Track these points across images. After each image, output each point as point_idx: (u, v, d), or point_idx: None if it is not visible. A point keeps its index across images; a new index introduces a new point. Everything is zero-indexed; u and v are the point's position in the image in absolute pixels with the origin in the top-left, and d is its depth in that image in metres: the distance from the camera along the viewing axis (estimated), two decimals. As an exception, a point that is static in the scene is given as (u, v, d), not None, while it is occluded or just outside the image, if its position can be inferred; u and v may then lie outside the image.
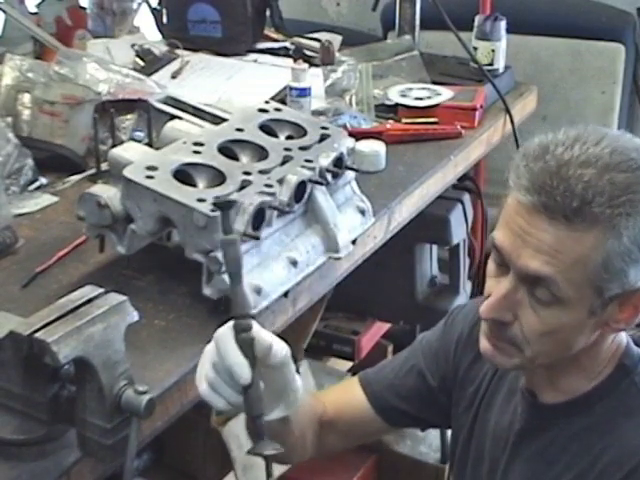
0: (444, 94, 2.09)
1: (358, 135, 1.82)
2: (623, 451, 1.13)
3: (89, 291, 1.05)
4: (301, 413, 1.24)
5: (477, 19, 2.30)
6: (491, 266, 1.15)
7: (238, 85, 2.12)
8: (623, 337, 1.19)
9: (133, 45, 2.24)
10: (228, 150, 1.42)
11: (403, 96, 2.09)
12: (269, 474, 1.08)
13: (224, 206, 1.06)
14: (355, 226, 1.50)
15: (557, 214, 1.04)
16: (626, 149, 1.08)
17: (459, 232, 2.31)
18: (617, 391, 1.17)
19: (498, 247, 1.11)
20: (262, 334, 1.07)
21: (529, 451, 1.22)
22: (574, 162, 1.05)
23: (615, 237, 1.04)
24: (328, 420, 1.38)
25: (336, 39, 2.38)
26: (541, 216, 1.05)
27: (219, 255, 1.25)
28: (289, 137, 1.51)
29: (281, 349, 1.08)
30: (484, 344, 1.17)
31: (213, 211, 1.25)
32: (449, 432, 2.66)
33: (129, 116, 1.82)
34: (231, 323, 1.06)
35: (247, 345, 1.05)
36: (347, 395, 1.43)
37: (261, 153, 1.43)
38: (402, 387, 1.40)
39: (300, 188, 1.36)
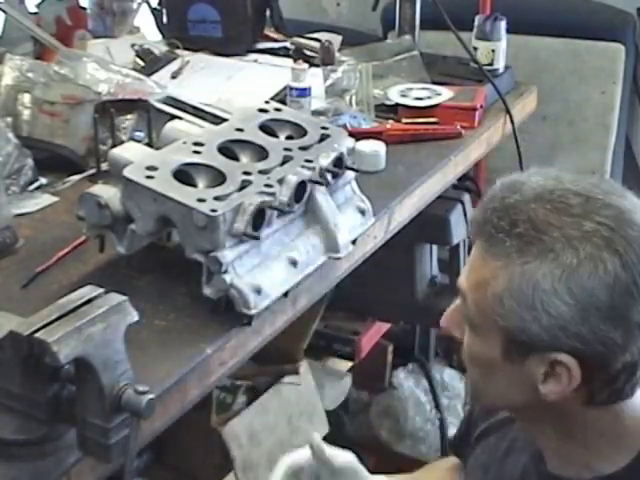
0: (444, 94, 2.09)
1: (358, 135, 1.82)
2: None
3: (89, 291, 1.05)
4: None
5: (477, 19, 2.30)
6: None
7: (238, 85, 2.12)
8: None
9: (133, 45, 2.24)
10: (228, 150, 1.42)
11: (403, 96, 2.09)
12: None
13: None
14: (355, 226, 1.50)
15: (481, 235, 1.07)
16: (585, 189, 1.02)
17: (459, 232, 2.31)
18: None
19: None
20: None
21: None
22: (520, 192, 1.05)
23: (513, 272, 1.00)
24: None
25: (336, 39, 2.38)
26: (478, 240, 1.09)
27: (219, 255, 1.26)
28: (289, 137, 1.50)
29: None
30: None
31: (213, 211, 1.25)
32: (449, 431, 2.66)
33: (129, 116, 1.81)
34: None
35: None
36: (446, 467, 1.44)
37: (261, 153, 1.43)
38: None
39: (300, 188, 1.36)
